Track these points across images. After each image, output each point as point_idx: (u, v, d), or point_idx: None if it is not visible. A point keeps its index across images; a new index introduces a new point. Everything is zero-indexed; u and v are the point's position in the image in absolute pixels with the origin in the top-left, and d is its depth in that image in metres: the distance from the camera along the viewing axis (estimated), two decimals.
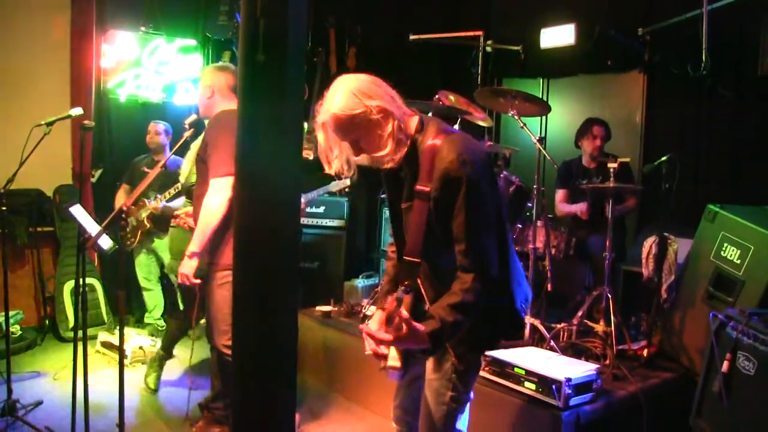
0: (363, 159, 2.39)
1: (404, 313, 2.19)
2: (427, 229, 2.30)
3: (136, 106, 6.69)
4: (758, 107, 4.99)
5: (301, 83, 1.73)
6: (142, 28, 6.61)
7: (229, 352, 3.54)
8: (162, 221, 5.53)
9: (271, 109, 1.44)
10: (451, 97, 4.96)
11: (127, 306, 3.39)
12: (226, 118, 3.51)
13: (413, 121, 2.35)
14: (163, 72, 6.73)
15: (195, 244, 3.48)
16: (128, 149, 6.38)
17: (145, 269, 5.95)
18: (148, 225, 5.65)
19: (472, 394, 2.55)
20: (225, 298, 3.50)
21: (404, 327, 2.18)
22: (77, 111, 4.00)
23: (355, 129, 2.25)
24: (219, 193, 3.43)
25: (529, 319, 4.12)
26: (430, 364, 2.50)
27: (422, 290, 2.43)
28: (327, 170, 2.45)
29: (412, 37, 6.26)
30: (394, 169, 2.39)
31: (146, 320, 6.03)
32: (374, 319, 2.54)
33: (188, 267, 3.50)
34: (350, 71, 7.43)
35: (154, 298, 6.02)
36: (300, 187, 1.85)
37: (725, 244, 3.97)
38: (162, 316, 6.11)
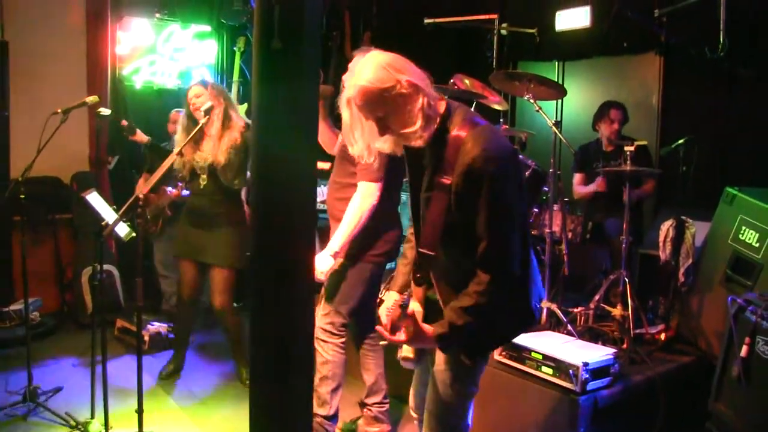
0: (386, 144, 2.33)
1: (414, 315, 2.23)
2: (445, 222, 2.23)
3: (151, 93, 6.72)
4: None
5: (316, 70, 1.72)
6: (157, 15, 6.63)
7: (320, 335, 3.58)
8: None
9: (287, 96, 1.43)
10: (467, 81, 4.93)
11: (143, 293, 3.39)
12: None
13: (441, 105, 2.28)
14: (178, 58, 6.74)
15: (337, 243, 3.40)
16: None
17: (163, 256, 5.97)
18: (170, 213, 5.66)
19: (477, 388, 2.52)
20: (350, 285, 3.55)
21: (413, 330, 2.23)
22: (93, 99, 4.03)
23: (383, 104, 2.17)
24: (367, 197, 3.38)
25: (546, 304, 4.10)
26: (439, 355, 2.46)
27: (435, 284, 2.38)
28: (350, 151, 2.45)
29: (427, 20, 6.21)
30: (418, 155, 2.35)
31: (163, 307, 6.08)
32: (384, 308, 2.52)
33: (326, 265, 3.43)
34: None
35: (171, 285, 6.06)
36: (315, 174, 1.85)
37: (743, 227, 3.93)
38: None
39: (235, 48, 6.90)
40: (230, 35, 7.13)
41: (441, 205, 2.21)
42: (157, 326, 5.39)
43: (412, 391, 2.78)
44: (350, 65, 3.11)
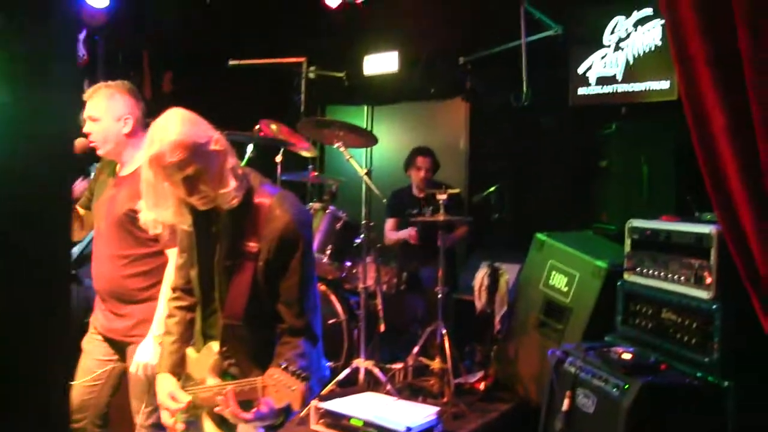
0: (168, 211, 2.13)
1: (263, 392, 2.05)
2: (252, 289, 2.16)
3: None
4: (575, 135, 5.14)
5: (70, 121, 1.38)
6: None
7: None
8: None
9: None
10: (273, 127, 4.68)
11: None
12: None
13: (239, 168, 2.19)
14: None
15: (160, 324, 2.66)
16: None
17: None
18: None
19: None
20: None
21: (261, 407, 2.06)
22: None
23: (197, 160, 2.01)
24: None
25: (363, 363, 3.92)
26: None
27: (234, 356, 2.26)
28: (141, 217, 2.18)
29: (231, 62, 5.92)
30: (207, 222, 2.20)
31: None
32: (164, 394, 2.28)
33: (152, 353, 2.68)
34: (167, 97, 6.92)
35: None
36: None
37: (553, 272, 4.04)
38: None
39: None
40: None
41: (247, 272, 2.15)
42: None
43: None
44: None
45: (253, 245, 2.14)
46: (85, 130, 2.81)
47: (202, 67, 6.79)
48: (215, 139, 2.08)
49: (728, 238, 2.33)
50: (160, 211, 2.13)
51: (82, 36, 5.96)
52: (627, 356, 2.73)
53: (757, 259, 2.21)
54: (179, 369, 2.36)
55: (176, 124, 2.02)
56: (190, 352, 2.38)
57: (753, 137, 2.09)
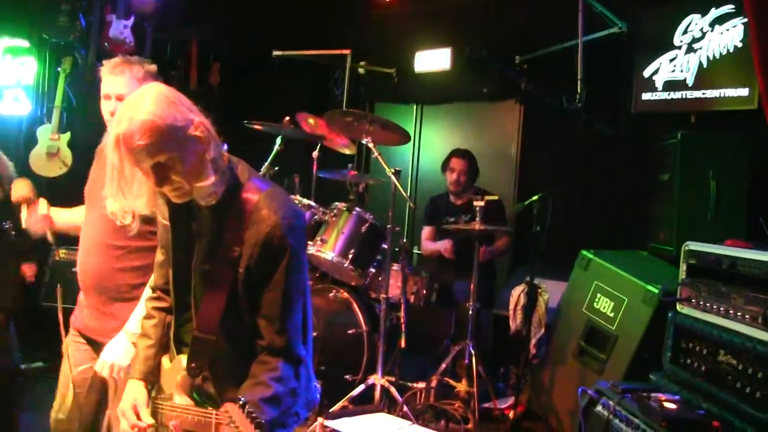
0: (140, 200, 1.85)
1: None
2: (230, 300, 1.90)
3: None
4: (633, 144, 4.70)
5: None
6: None
7: None
8: None
9: None
10: (311, 120, 4.40)
11: None
12: None
13: (224, 158, 1.91)
14: None
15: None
16: None
17: None
18: None
19: None
20: None
21: None
22: None
23: (171, 146, 1.74)
24: None
25: (379, 380, 3.58)
26: None
27: (209, 374, 1.99)
28: (108, 205, 1.90)
29: (275, 52, 5.70)
30: (186, 216, 1.94)
31: None
32: (128, 403, 2.02)
33: (126, 354, 2.43)
34: (213, 87, 6.69)
35: None
36: None
37: (598, 295, 3.68)
38: None
39: (59, 69, 6.04)
40: (54, 54, 6.25)
41: (225, 281, 1.89)
42: None
43: None
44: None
45: (233, 249, 1.88)
46: (105, 107, 2.57)
47: (248, 58, 6.61)
48: (196, 123, 1.79)
49: None
50: (129, 200, 1.84)
51: (130, 22, 5.86)
52: (671, 405, 2.29)
53: None
54: (153, 377, 2.09)
55: (151, 102, 1.74)
56: (164, 360, 2.11)
57: None
